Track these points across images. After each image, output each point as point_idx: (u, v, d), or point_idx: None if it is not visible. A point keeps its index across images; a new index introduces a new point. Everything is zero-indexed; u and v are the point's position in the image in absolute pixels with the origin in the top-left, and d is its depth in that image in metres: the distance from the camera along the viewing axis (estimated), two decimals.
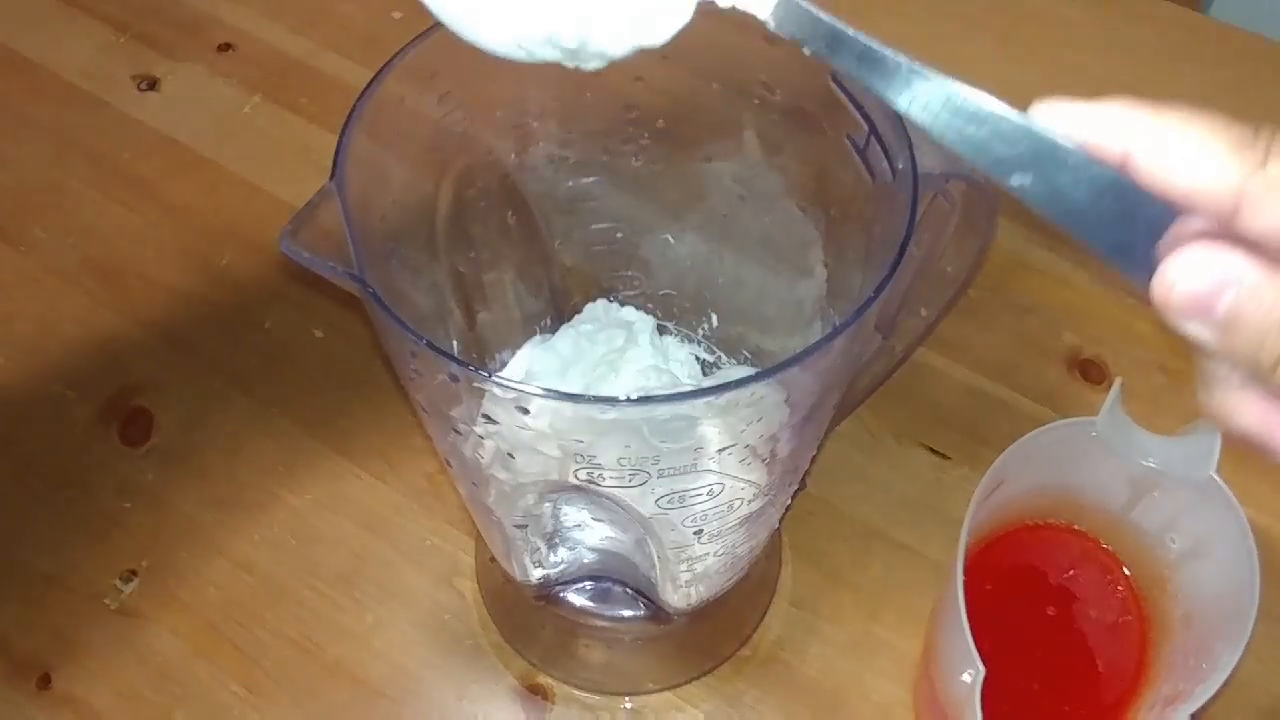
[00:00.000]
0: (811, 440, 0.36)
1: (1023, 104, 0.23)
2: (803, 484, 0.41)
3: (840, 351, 0.31)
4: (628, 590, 0.42)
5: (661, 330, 0.45)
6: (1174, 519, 0.41)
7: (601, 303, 0.45)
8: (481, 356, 0.43)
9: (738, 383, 0.27)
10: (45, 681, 0.45)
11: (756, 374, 0.27)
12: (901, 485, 0.49)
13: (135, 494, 0.49)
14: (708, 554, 0.37)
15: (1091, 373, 0.52)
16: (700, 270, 0.43)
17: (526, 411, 0.28)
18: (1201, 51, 0.64)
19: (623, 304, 0.45)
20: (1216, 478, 0.38)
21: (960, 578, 0.35)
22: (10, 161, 0.60)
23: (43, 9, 0.67)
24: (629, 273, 0.44)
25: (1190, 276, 0.21)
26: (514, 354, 0.44)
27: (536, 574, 0.41)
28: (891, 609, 0.46)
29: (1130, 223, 0.22)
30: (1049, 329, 0.54)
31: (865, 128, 0.32)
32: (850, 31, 0.24)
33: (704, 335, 0.46)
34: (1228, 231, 0.21)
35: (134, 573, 0.47)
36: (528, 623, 0.46)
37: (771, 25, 0.25)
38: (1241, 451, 0.24)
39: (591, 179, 0.41)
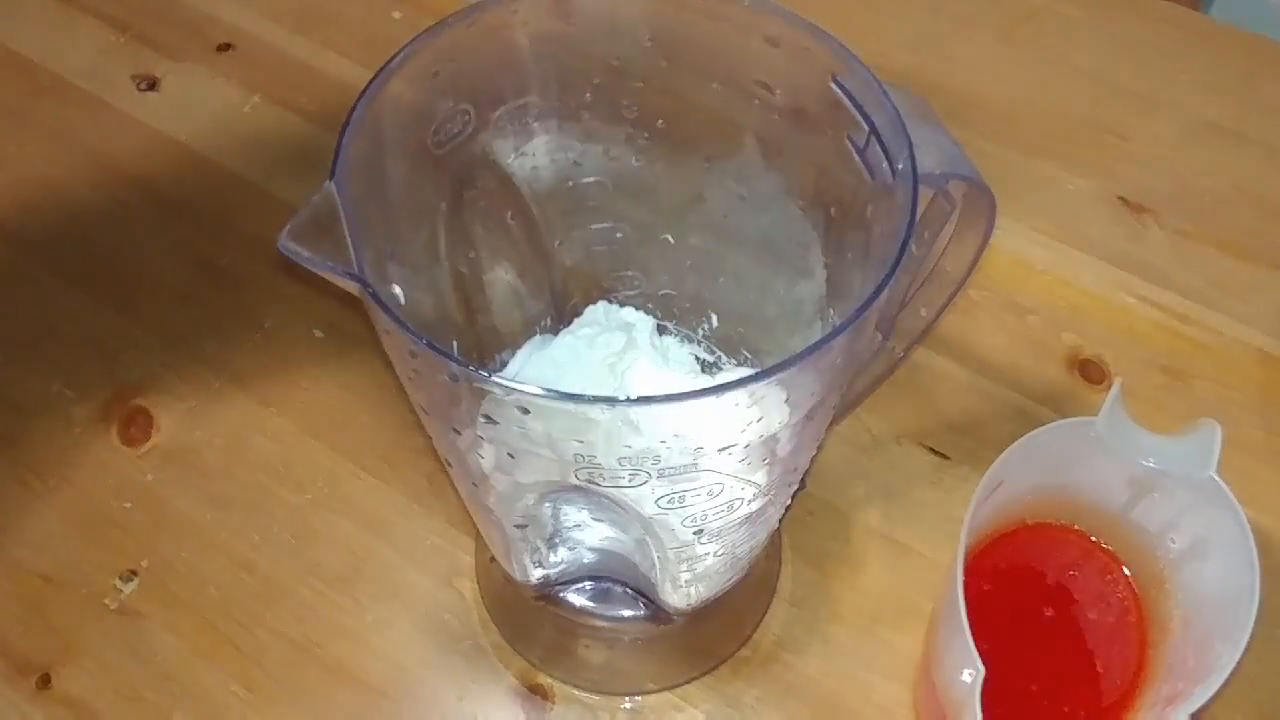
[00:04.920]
0: (811, 440, 0.36)
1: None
2: (803, 484, 0.41)
3: (840, 351, 0.31)
4: (628, 590, 0.42)
5: (661, 330, 0.45)
6: (1174, 519, 0.41)
7: (602, 304, 0.45)
8: (481, 357, 0.43)
9: (738, 383, 0.27)
10: (45, 681, 0.45)
11: (756, 374, 0.27)
12: (901, 485, 0.49)
13: (135, 494, 0.49)
14: (708, 554, 0.37)
15: (1091, 373, 0.52)
16: (700, 270, 0.43)
17: (526, 412, 0.28)
18: (1201, 51, 0.64)
19: (622, 304, 0.45)
20: (1216, 478, 0.38)
21: (960, 578, 0.35)
22: (10, 161, 0.60)
23: (43, 9, 0.67)
24: (629, 273, 0.44)
25: None
26: (514, 355, 0.44)
27: (536, 574, 0.41)
28: (891, 609, 0.46)
29: None
30: (1049, 329, 0.54)
31: (865, 128, 0.32)
32: None
33: (704, 335, 0.46)
34: None
35: (134, 573, 0.47)
36: (528, 623, 0.46)
37: None
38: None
39: (591, 179, 0.41)
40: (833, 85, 0.32)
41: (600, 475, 0.31)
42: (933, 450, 0.50)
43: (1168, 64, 0.63)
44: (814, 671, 0.45)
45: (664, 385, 0.42)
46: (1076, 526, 0.45)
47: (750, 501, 0.34)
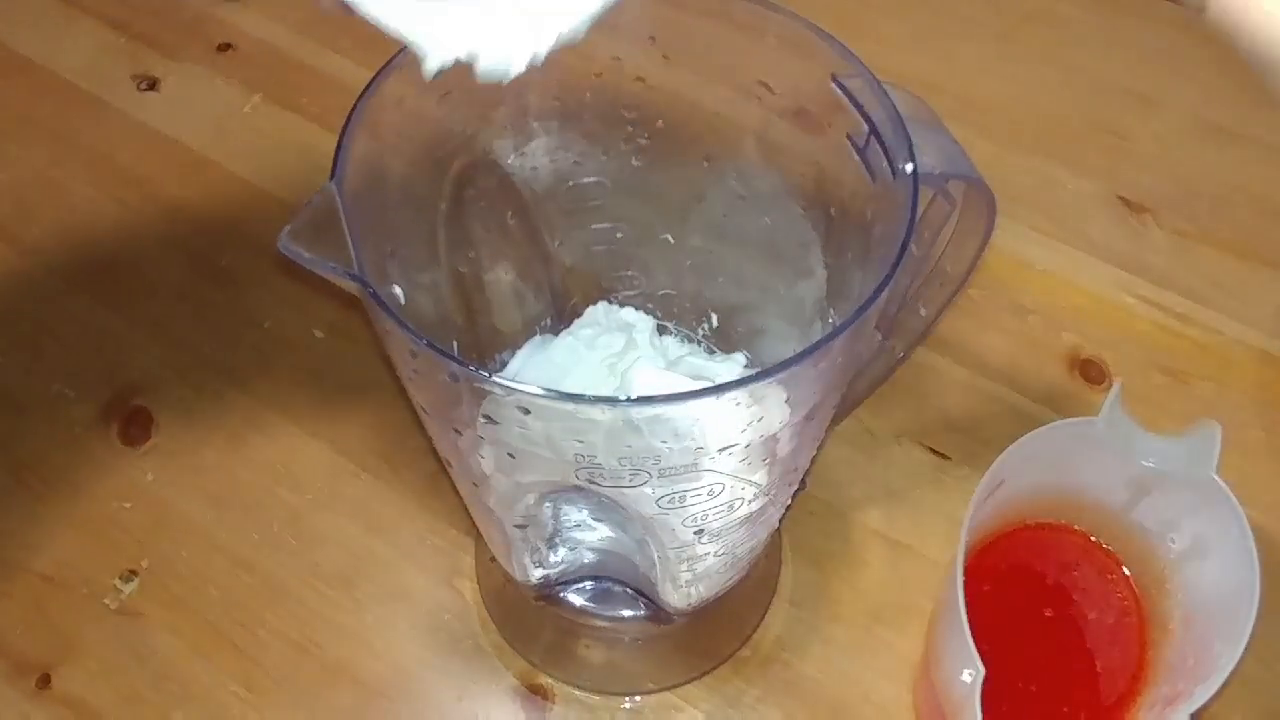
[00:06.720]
0: (811, 440, 0.36)
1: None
2: (803, 484, 0.41)
3: (840, 351, 0.31)
4: (628, 590, 0.42)
5: (661, 330, 0.45)
6: (1174, 519, 0.41)
7: (602, 305, 0.45)
8: (481, 357, 0.43)
9: (738, 383, 0.27)
10: (45, 681, 0.45)
11: (756, 374, 0.27)
12: (901, 485, 0.49)
13: (135, 494, 0.49)
14: (708, 554, 0.37)
15: (1091, 373, 0.52)
16: (700, 270, 0.43)
17: (527, 412, 0.28)
18: (1201, 51, 0.64)
19: (622, 304, 0.45)
20: (1216, 478, 0.38)
21: (960, 578, 0.35)
22: (10, 161, 0.60)
23: (43, 9, 0.67)
24: (629, 273, 0.44)
25: None
26: (514, 355, 0.44)
27: (536, 574, 0.41)
28: (891, 609, 0.46)
29: None
30: (1049, 329, 0.54)
31: (865, 128, 0.32)
32: None
33: (704, 335, 0.46)
34: None
35: (134, 573, 0.47)
36: (528, 623, 0.46)
37: None
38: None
39: (591, 179, 0.41)
40: (833, 85, 0.32)
41: (600, 475, 0.31)
42: (933, 450, 0.50)
43: (1168, 64, 0.63)
44: (814, 671, 0.45)
45: (664, 385, 0.42)
46: (1076, 526, 0.45)
47: (750, 501, 0.34)
